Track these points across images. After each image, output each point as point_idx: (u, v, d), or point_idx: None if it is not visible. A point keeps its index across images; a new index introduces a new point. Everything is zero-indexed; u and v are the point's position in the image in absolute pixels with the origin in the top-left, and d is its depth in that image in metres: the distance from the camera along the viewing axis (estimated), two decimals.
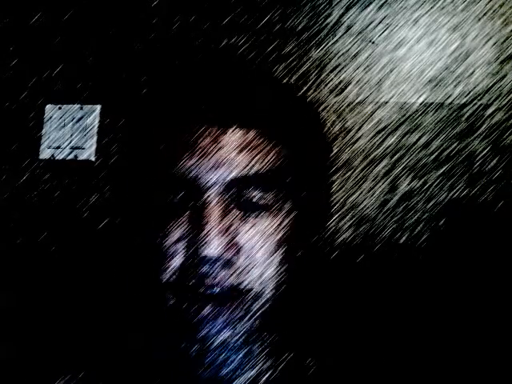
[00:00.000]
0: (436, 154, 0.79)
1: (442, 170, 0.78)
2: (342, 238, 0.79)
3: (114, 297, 0.79)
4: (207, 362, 0.44)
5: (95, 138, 0.90)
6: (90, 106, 0.91)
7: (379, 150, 0.80)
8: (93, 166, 0.89)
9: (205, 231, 0.40)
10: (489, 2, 0.81)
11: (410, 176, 0.79)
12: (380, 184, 0.80)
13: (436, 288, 0.74)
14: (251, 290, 0.42)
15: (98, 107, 0.91)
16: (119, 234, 0.81)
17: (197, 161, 0.42)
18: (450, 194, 0.77)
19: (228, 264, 0.42)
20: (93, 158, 0.89)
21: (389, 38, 0.83)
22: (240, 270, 0.42)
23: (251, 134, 0.43)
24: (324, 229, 0.54)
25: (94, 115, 0.91)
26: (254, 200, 0.43)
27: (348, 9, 0.84)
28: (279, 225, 0.44)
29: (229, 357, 0.45)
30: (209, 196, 0.42)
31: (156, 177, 0.44)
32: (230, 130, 0.43)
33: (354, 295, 0.75)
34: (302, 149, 0.47)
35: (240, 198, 0.43)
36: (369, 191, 0.80)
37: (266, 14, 0.86)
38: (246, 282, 0.42)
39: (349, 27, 0.84)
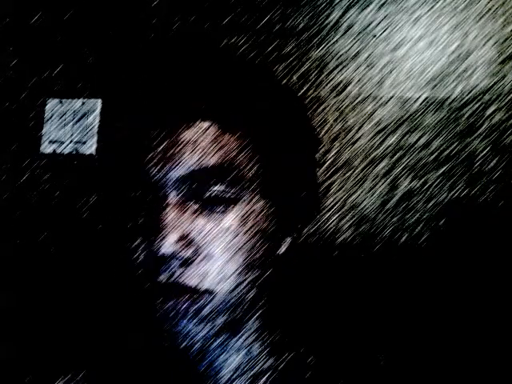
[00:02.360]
0: (436, 153, 0.79)
1: (442, 170, 0.78)
2: (342, 238, 0.79)
3: (114, 296, 0.79)
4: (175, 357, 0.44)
5: (96, 133, 0.90)
6: (91, 100, 0.91)
7: (379, 150, 0.80)
8: (94, 160, 0.88)
9: (161, 228, 0.39)
10: (489, 2, 0.80)
11: (410, 176, 0.79)
12: (380, 184, 0.80)
13: (436, 288, 0.74)
14: (211, 291, 0.40)
15: (99, 102, 0.90)
16: (116, 232, 0.81)
17: (154, 157, 0.40)
18: (450, 194, 0.77)
19: (186, 262, 0.39)
20: (94, 152, 0.89)
21: (389, 38, 0.82)
22: (199, 269, 0.40)
23: (209, 128, 0.41)
24: (303, 227, 0.50)
25: (95, 110, 0.90)
26: (218, 195, 0.40)
27: (348, 9, 0.84)
28: (245, 222, 0.41)
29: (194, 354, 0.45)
30: (165, 192, 0.40)
31: (129, 176, 0.43)
32: (185, 125, 0.41)
33: (354, 295, 0.75)
34: (272, 143, 0.43)
35: (202, 194, 0.40)
36: (369, 191, 0.80)
37: (266, 14, 0.86)
38: (205, 283, 0.40)
39: (349, 27, 0.84)
